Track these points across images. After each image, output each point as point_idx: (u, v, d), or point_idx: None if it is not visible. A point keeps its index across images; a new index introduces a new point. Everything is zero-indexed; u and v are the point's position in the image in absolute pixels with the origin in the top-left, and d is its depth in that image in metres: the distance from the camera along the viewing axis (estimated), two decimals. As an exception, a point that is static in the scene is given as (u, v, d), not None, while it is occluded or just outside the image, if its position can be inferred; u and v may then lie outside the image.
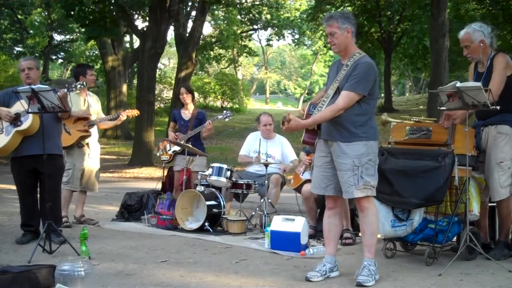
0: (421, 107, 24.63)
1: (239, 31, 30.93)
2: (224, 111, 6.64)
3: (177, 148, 6.42)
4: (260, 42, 44.24)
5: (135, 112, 6.43)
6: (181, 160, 6.39)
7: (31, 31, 30.39)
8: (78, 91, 5.63)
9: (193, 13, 23.29)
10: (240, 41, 31.35)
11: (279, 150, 6.25)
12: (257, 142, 6.21)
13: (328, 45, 4.10)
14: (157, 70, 20.87)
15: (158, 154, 6.86)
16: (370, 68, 3.60)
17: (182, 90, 6.58)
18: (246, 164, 6.49)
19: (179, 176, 6.45)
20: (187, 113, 6.53)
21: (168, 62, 51.05)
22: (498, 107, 3.83)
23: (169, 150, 6.58)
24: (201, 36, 23.15)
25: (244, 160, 6.43)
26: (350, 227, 5.11)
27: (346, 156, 3.57)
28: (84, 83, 5.06)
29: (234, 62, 36.48)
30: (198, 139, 6.42)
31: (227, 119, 6.64)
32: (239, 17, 30.15)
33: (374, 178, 3.63)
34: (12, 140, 4.81)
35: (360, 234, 4.41)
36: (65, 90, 4.70)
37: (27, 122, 4.76)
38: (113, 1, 16.06)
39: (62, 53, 37.32)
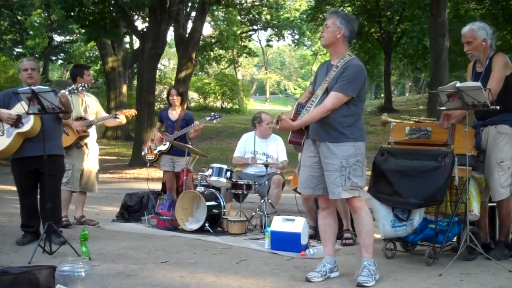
0: (421, 107, 24.62)
1: (239, 32, 30.95)
2: (212, 113, 6.68)
3: (163, 148, 6.45)
4: (260, 43, 44.29)
5: (132, 112, 6.43)
6: (167, 160, 6.46)
7: (31, 32, 30.36)
8: (79, 93, 5.65)
9: (193, 13, 23.28)
10: (240, 42, 31.37)
11: (276, 149, 6.26)
12: (253, 142, 6.21)
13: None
14: (157, 71, 20.86)
15: (143, 154, 6.84)
16: (360, 71, 3.63)
17: (173, 92, 6.65)
18: (243, 165, 6.49)
19: (168, 176, 6.51)
20: (174, 114, 6.57)
21: (168, 63, 51.07)
22: (498, 107, 3.84)
23: (154, 149, 6.59)
24: (201, 37, 23.16)
25: (240, 161, 6.41)
26: (350, 227, 5.10)
27: (334, 157, 3.58)
28: (86, 85, 5.07)
29: (234, 62, 36.46)
30: (185, 139, 6.43)
31: (215, 121, 6.67)
32: (239, 17, 30.18)
33: (361, 179, 3.65)
34: (14, 142, 4.80)
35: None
36: (66, 92, 4.70)
37: (29, 124, 4.76)
38: (113, 1, 16.05)
39: (62, 54, 37.33)
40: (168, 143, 6.39)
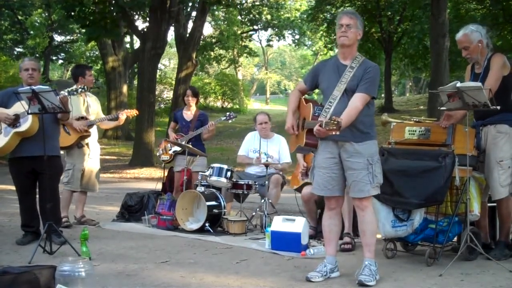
0: (422, 107, 24.59)
1: (239, 32, 30.92)
2: (228, 113, 6.69)
3: (178, 148, 6.43)
4: (260, 43, 44.23)
5: (134, 112, 6.45)
6: (182, 160, 6.40)
7: (32, 32, 30.37)
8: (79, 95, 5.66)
9: (194, 13, 23.30)
10: (241, 42, 31.33)
11: (277, 149, 6.25)
12: (257, 141, 6.21)
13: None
14: (158, 70, 20.86)
15: (158, 154, 6.88)
16: (379, 71, 3.77)
17: (188, 92, 6.66)
18: (245, 164, 6.49)
19: (179, 177, 6.46)
20: (189, 114, 6.57)
21: (168, 63, 51.05)
22: (498, 107, 3.84)
23: (169, 150, 6.60)
24: (202, 37, 23.16)
25: (244, 161, 6.42)
26: (351, 230, 4.92)
27: (361, 156, 3.62)
28: (85, 87, 5.08)
29: (235, 62, 36.44)
30: (199, 140, 6.45)
31: (230, 121, 6.67)
32: (239, 17, 30.14)
33: (381, 175, 3.72)
34: (10, 141, 4.81)
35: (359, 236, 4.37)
36: (66, 93, 4.70)
37: (26, 123, 4.76)
38: (113, 1, 16.06)
39: (62, 54, 37.31)
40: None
